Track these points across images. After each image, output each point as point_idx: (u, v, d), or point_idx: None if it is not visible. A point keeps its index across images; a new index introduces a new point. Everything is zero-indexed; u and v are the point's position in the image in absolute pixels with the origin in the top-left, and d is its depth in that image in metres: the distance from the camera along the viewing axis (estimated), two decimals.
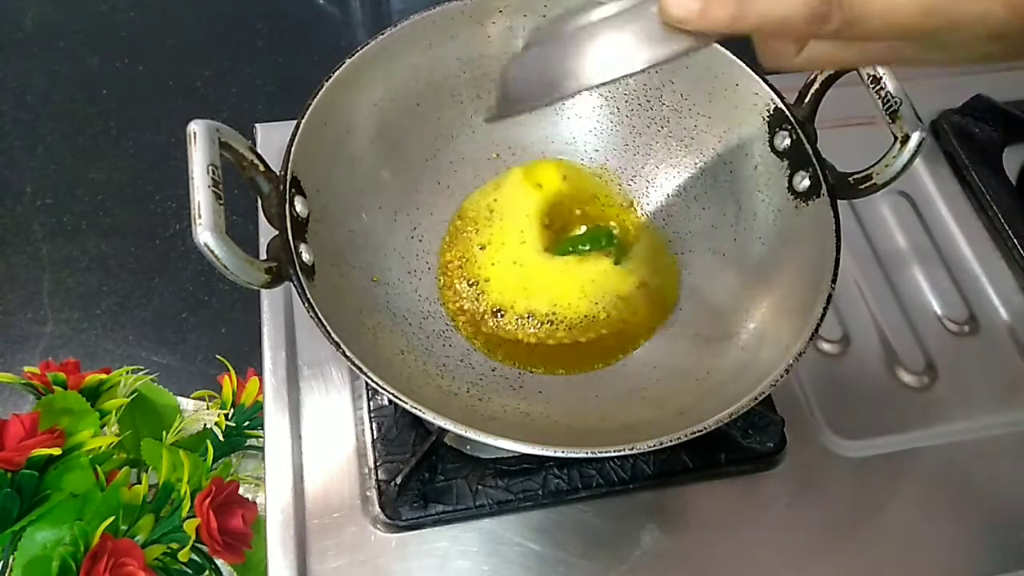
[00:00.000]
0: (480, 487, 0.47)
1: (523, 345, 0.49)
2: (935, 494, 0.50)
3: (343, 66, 0.45)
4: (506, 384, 0.47)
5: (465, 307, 0.50)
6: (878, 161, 0.43)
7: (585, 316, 0.50)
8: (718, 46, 0.48)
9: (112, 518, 0.59)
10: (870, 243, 0.61)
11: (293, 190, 0.41)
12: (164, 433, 0.72)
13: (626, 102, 0.54)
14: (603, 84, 0.29)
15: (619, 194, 0.55)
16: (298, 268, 0.39)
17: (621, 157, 0.55)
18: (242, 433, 0.76)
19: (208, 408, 0.80)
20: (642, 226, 0.54)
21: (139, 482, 0.65)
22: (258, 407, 0.76)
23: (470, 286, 0.51)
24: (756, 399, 0.37)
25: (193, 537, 0.60)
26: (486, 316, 0.50)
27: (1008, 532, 0.49)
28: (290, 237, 0.39)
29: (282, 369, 0.52)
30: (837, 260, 0.41)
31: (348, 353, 0.37)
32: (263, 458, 0.50)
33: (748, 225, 0.49)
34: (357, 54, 0.46)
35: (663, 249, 0.53)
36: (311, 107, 0.44)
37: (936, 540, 0.49)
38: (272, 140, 0.60)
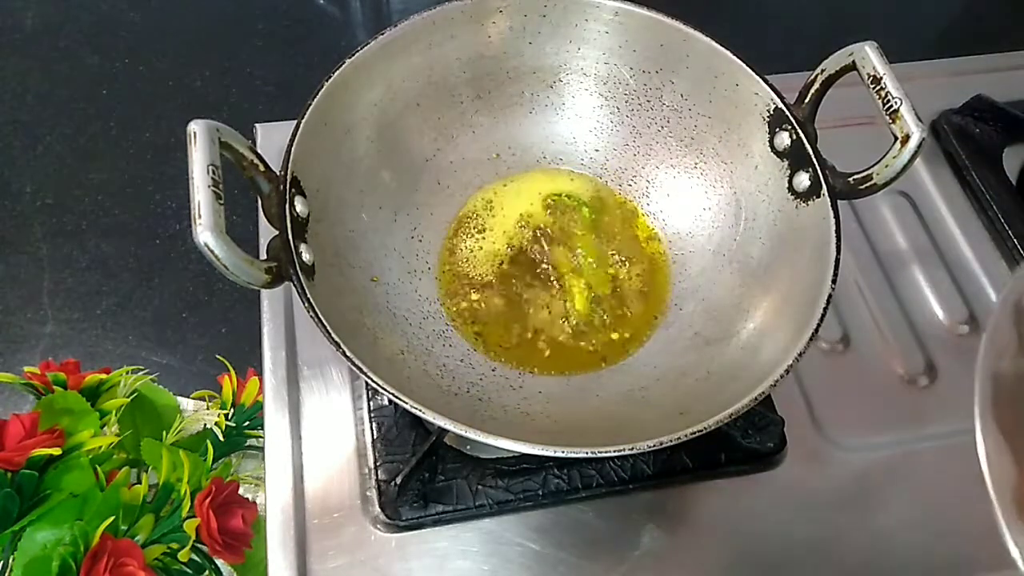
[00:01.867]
0: (480, 487, 0.47)
1: (516, 350, 0.49)
2: (935, 494, 0.50)
3: (343, 66, 0.45)
4: (506, 384, 0.47)
5: (461, 308, 0.50)
6: (878, 161, 0.43)
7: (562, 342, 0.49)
8: (718, 46, 0.48)
9: (112, 518, 0.59)
10: (870, 243, 0.61)
11: (293, 190, 0.41)
12: (164, 433, 0.72)
13: (626, 102, 0.54)
14: None
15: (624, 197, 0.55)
16: (298, 268, 0.39)
17: (621, 157, 0.55)
18: (242, 433, 0.76)
19: (208, 408, 0.80)
20: (649, 238, 0.54)
21: (139, 482, 0.65)
22: (258, 407, 0.76)
23: (465, 286, 0.51)
24: (756, 399, 0.37)
25: (193, 537, 0.60)
26: (479, 318, 0.50)
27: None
28: (290, 237, 0.39)
29: (282, 369, 0.52)
30: (837, 260, 0.41)
31: (348, 353, 0.37)
32: (263, 458, 0.49)
33: (748, 225, 0.49)
34: (357, 54, 0.46)
35: (663, 257, 0.53)
36: (311, 107, 0.44)
37: (936, 540, 0.49)
38: (272, 140, 0.60)
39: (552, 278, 0.51)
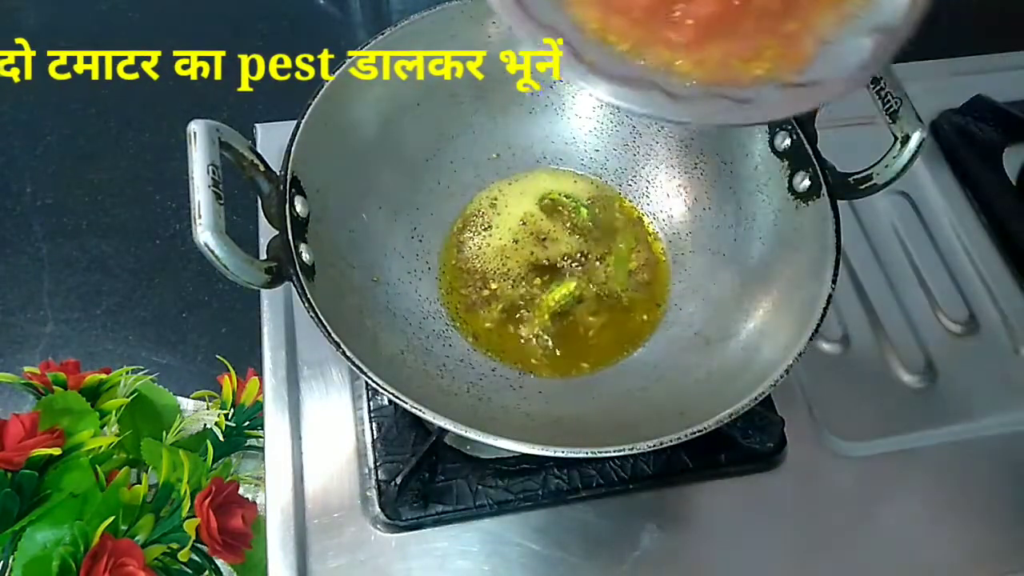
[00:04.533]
0: (480, 487, 0.47)
1: (519, 348, 0.49)
2: (935, 494, 0.50)
3: (343, 66, 0.45)
4: (506, 384, 0.47)
5: (462, 307, 0.50)
6: (878, 161, 0.43)
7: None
8: None
9: (112, 518, 0.59)
10: (870, 243, 0.60)
11: (293, 190, 0.41)
12: (164, 433, 0.72)
13: None
14: None
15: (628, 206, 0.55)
16: (298, 268, 0.39)
17: (621, 157, 0.55)
18: (242, 433, 0.76)
19: (208, 408, 0.80)
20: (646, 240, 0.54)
21: (139, 482, 0.65)
22: (258, 407, 0.76)
23: (467, 285, 0.51)
24: (756, 399, 0.37)
25: (193, 537, 0.60)
26: (481, 317, 0.50)
27: (1008, 532, 0.49)
28: (290, 237, 0.39)
29: (282, 369, 0.52)
30: (837, 260, 0.41)
31: (348, 353, 0.37)
32: (263, 458, 0.50)
33: (748, 225, 0.49)
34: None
35: (663, 256, 0.53)
36: (311, 107, 0.44)
37: (936, 540, 0.49)
38: (272, 140, 0.60)
39: (554, 277, 0.51)
